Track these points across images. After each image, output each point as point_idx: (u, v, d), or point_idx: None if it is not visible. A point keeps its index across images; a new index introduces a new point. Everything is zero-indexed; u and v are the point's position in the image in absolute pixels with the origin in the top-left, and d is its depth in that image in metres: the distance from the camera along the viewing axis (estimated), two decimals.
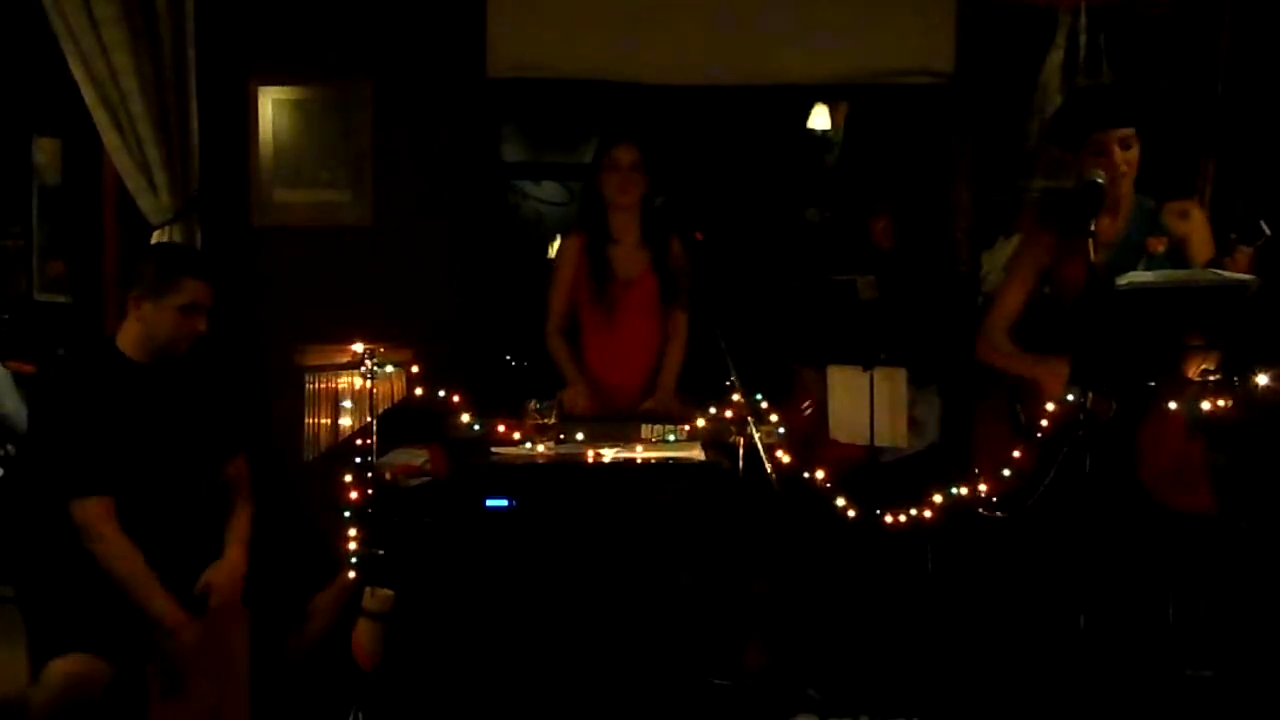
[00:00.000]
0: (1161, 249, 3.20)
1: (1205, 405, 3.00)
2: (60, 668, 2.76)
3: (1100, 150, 3.20)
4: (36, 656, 2.84)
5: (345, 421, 3.13)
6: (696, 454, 3.39)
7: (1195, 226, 3.25)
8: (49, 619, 2.89)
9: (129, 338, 3.10)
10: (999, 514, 3.16)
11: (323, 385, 3.14)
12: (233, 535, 3.13)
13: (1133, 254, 3.21)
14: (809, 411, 3.72)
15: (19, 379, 4.23)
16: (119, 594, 2.90)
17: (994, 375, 3.44)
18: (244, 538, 3.13)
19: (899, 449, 3.66)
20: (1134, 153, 3.21)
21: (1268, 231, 2.97)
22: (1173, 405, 3.07)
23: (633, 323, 3.90)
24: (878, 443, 3.29)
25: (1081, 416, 2.96)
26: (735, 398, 3.27)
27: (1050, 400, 3.13)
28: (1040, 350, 3.29)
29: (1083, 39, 4.58)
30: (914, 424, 3.80)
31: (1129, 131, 3.20)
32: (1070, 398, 3.01)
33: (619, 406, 3.79)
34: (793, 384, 4.05)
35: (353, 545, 3.04)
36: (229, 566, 3.06)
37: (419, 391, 3.27)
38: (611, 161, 3.83)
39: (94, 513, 2.94)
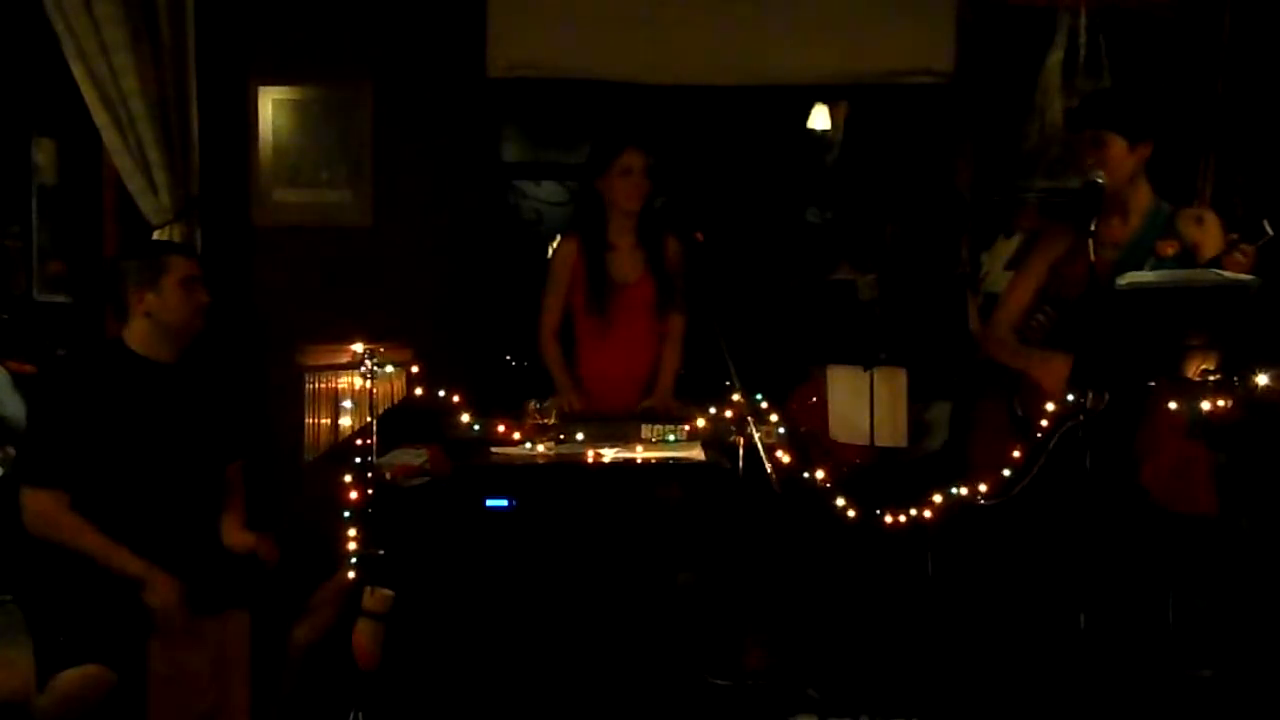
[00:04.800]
0: (1171, 252, 3.21)
1: (1205, 405, 3.01)
2: (67, 679, 2.77)
3: (1079, 149, 3.24)
4: (43, 666, 2.84)
5: (345, 421, 3.12)
6: (696, 454, 3.39)
7: (1209, 233, 3.25)
8: (54, 628, 2.89)
9: (139, 336, 3.10)
10: (990, 501, 3.17)
11: (323, 385, 3.13)
12: (230, 522, 3.21)
13: (1144, 256, 3.22)
14: (814, 401, 3.71)
15: (19, 379, 4.22)
16: (119, 598, 2.90)
17: (993, 373, 3.44)
18: (240, 523, 3.21)
19: (920, 449, 3.68)
20: (1109, 153, 3.21)
21: (1270, 231, 2.98)
22: (1173, 405, 3.08)
23: (629, 325, 3.89)
24: (877, 443, 3.29)
25: (1081, 418, 2.96)
26: (735, 398, 3.27)
27: (1048, 396, 3.13)
28: (1044, 346, 3.30)
29: (1083, 39, 4.58)
30: (927, 426, 3.81)
31: (1102, 133, 3.21)
32: (1070, 396, 3.01)
33: (614, 409, 3.78)
34: (800, 382, 4.05)
35: (353, 545, 3.04)
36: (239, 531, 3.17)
37: (419, 391, 3.27)
38: (623, 167, 3.80)
39: (42, 504, 2.96)
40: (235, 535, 3.22)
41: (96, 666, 2.79)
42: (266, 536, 3.20)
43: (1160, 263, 3.19)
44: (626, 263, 3.91)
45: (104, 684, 2.79)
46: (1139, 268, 3.14)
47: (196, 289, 3.13)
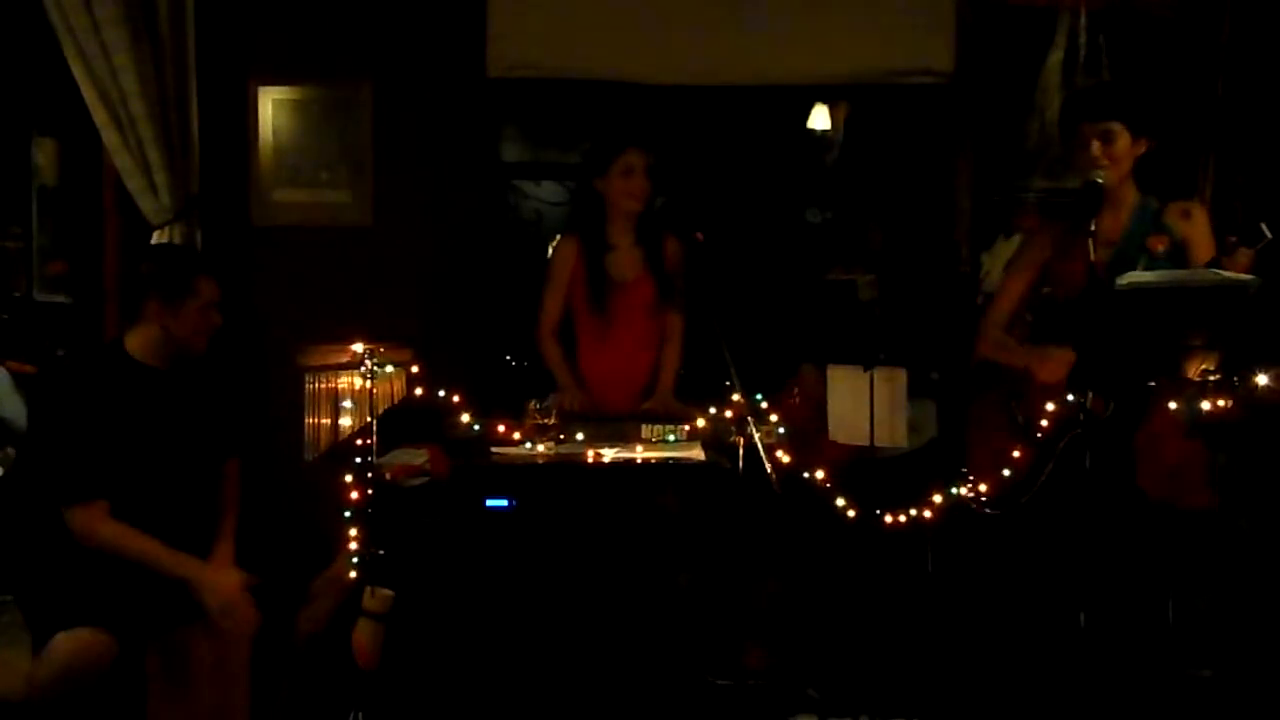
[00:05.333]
0: (1162, 249, 3.21)
1: (1205, 405, 3.01)
2: (64, 642, 2.75)
3: (1082, 143, 3.22)
4: (39, 636, 2.83)
5: (345, 421, 3.13)
6: (696, 454, 3.39)
7: (1197, 227, 3.25)
8: (51, 599, 2.88)
9: (141, 342, 3.10)
10: (994, 511, 3.17)
11: (323, 385, 3.13)
12: (220, 541, 3.16)
13: (1134, 253, 3.21)
14: (797, 399, 3.72)
15: (19, 379, 4.23)
16: (120, 574, 2.90)
17: (990, 375, 3.44)
18: (229, 543, 3.17)
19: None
20: (1118, 147, 3.20)
21: (1268, 234, 2.97)
22: (1172, 405, 3.08)
23: (629, 325, 3.89)
24: (877, 443, 3.29)
25: (1081, 416, 2.96)
26: (735, 398, 3.27)
27: (1046, 391, 3.14)
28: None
29: (1083, 39, 4.58)
30: (910, 425, 3.81)
31: (1111, 125, 3.20)
32: (1070, 397, 3.02)
33: (615, 409, 3.78)
34: (791, 377, 4.05)
35: (353, 545, 3.04)
36: (218, 563, 3.08)
37: (419, 391, 3.27)
38: (624, 166, 3.80)
39: (89, 518, 2.95)
40: (218, 578, 3.06)
41: (97, 631, 2.77)
42: (245, 600, 3.06)
43: (1153, 261, 3.18)
44: (626, 262, 3.91)
45: (106, 651, 2.77)
46: (1132, 264, 3.14)
47: (213, 314, 3.14)
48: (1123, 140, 3.21)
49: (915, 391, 3.76)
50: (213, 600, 2.95)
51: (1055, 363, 3.18)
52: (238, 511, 3.26)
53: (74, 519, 2.95)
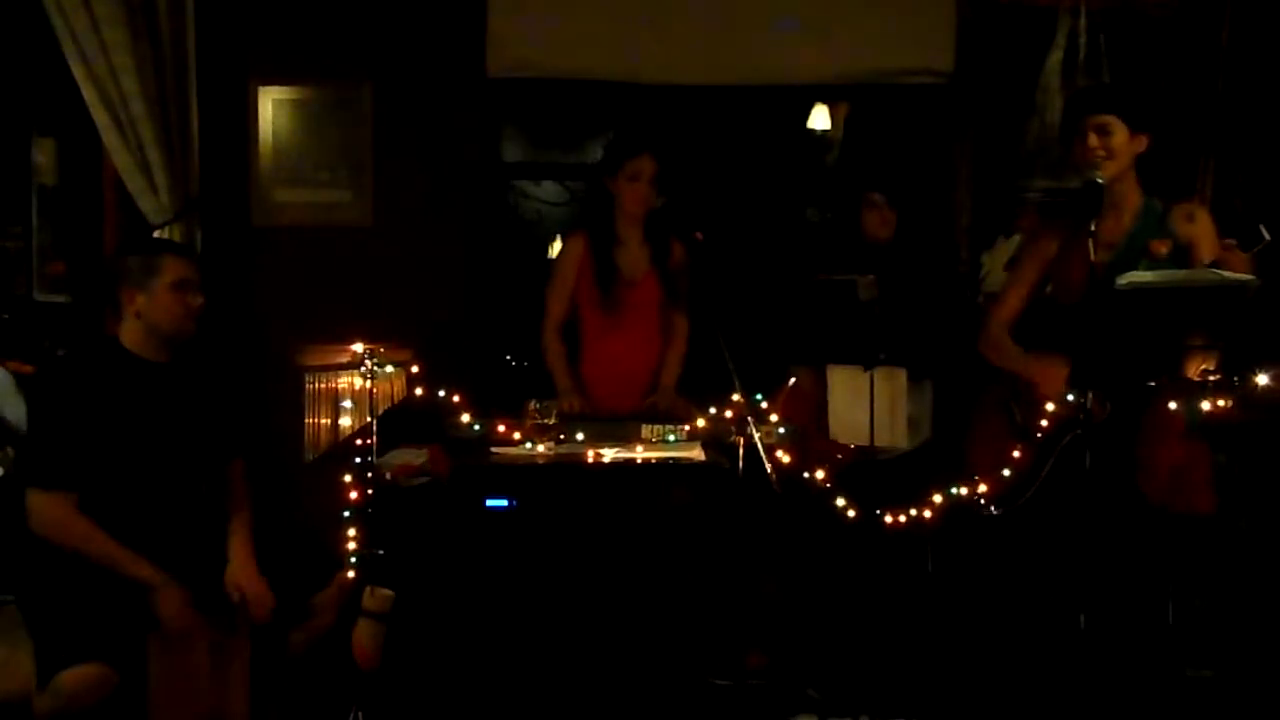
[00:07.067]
0: (1165, 251, 3.20)
1: (1205, 405, 3.01)
2: (69, 679, 2.75)
3: (1081, 136, 3.22)
4: (44, 666, 2.83)
5: (345, 421, 3.12)
6: (696, 454, 3.39)
7: (1201, 230, 3.25)
8: (54, 627, 2.88)
9: (131, 335, 3.10)
10: (992, 510, 3.17)
11: (323, 385, 3.13)
12: (235, 538, 3.13)
13: (1137, 255, 3.21)
14: (792, 383, 3.69)
15: (19, 379, 4.22)
16: (120, 597, 2.89)
17: (991, 374, 3.44)
18: (246, 539, 3.13)
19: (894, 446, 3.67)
20: (1115, 140, 3.20)
21: (1267, 236, 2.97)
22: (1172, 406, 3.08)
23: (635, 323, 3.90)
24: (877, 443, 3.30)
25: (1081, 416, 2.96)
26: (735, 398, 3.27)
27: (1046, 399, 3.14)
28: (1040, 350, 3.30)
29: (1083, 39, 4.59)
30: (909, 423, 3.81)
31: (1108, 118, 3.20)
32: (1070, 398, 3.02)
33: (618, 407, 3.78)
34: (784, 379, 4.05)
35: (353, 545, 3.04)
36: (242, 567, 3.06)
37: (419, 391, 3.27)
38: (632, 171, 3.82)
39: (50, 507, 2.93)
40: (237, 572, 3.06)
41: (98, 665, 2.78)
42: (263, 586, 3.05)
43: (1154, 263, 3.18)
44: (634, 260, 3.92)
45: (106, 683, 2.78)
46: (1133, 266, 3.14)
47: (189, 293, 3.09)
48: (1120, 134, 3.21)
49: (911, 375, 3.75)
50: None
51: (1054, 374, 3.17)
52: (251, 511, 3.22)
53: (33, 504, 2.93)
